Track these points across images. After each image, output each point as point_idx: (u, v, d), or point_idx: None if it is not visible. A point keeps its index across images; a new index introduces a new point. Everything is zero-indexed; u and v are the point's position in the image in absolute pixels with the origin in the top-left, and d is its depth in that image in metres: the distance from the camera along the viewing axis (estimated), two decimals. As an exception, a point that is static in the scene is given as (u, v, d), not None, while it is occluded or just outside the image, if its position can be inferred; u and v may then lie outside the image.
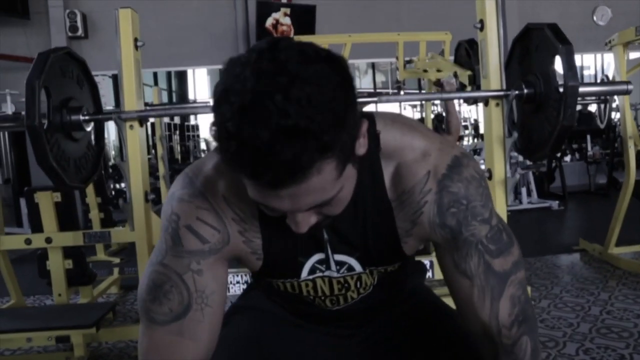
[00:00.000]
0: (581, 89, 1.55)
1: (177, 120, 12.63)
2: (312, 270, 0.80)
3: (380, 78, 11.91)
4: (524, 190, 5.51)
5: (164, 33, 6.32)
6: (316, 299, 0.84)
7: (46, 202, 2.66)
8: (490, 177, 1.66)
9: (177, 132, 10.32)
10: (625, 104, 3.17)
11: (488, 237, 0.74)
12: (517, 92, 1.55)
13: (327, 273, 0.80)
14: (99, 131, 1.69)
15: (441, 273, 0.80)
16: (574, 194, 6.22)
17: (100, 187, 3.95)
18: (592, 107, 7.02)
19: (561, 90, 1.40)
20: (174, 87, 12.99)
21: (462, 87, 3.23)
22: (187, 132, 11.73)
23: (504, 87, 1.60)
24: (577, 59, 10.95)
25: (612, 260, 3.28)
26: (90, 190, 3.90)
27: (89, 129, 1.56)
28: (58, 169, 1.38)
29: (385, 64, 12.34)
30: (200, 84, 13.06)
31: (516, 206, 5.48)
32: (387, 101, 1.53)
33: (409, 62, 3.79)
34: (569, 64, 1.36)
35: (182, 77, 12.88)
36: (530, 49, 1.56)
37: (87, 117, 1.51)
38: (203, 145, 10.73)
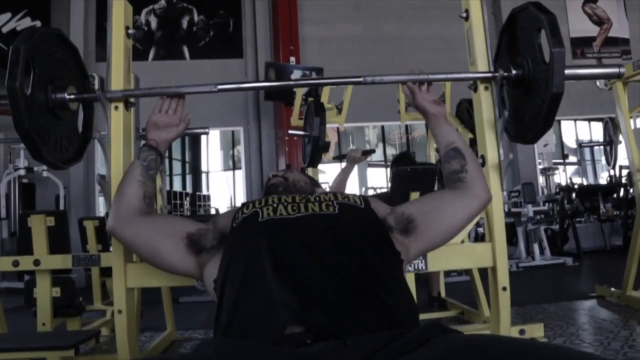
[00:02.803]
0: (571, 71, 1.52)
1: (189, 189, 12.78)
2: None
3: (390, 151, 12.14)
4: (536, 246, 5.31)
5: (177, 96, 6.56)
6: (279, 207, 1.17)
7: (38, 225, 2.61)
8: (483, 164, 1.60)
9: (188, 199, 10.42)
10: (630, 139, 3.13)
11: None
12: (505, 73, 1.53)
13: None
14: (88, 120, 1.69)
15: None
16: (589, 253, 5.97)
17: (101, 234, 3.91)
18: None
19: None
20: (187, 158, 13.29)
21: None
22: (199, 202, 11.85)
23: (492, 70, 1.59)
24: (584, 125, 11.03)
25: (632, 302, 3.06)
26: (91, 237, 3.86)
27: (74, 108, 1.56)
28: (35, 136, 1.36)
29: (394, 137, 12.52)
30: (213, 155, 13.38)
31: (529, 262, 5.26)
32: (373, 82, 1.52)
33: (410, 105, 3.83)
34: (552, 31, 1.34)
35: (195, 148, 13.21)
36: (516, 33, 1.55)
37: (72, 96, 1.51)
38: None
